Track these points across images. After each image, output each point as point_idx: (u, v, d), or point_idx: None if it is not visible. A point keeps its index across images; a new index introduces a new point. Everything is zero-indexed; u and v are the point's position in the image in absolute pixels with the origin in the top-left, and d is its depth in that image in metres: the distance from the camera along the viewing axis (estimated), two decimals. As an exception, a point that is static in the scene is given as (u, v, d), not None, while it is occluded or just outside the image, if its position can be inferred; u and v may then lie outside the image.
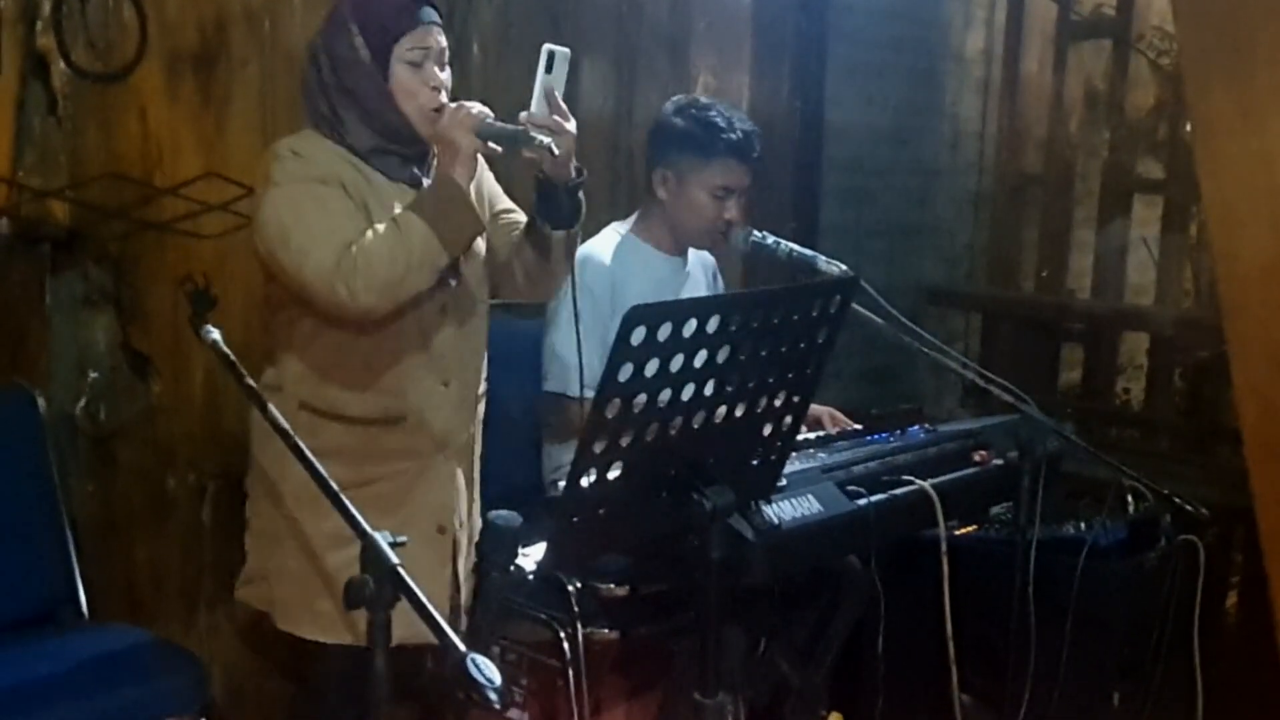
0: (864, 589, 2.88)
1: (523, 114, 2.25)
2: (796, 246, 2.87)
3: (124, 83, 2.86)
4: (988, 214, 5.31)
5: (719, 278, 3.30)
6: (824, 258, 2.79)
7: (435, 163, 2.36)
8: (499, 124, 2.27)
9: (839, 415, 3.11)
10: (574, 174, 2.33)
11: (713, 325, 1.92)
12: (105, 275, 2.90)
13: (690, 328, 1.88)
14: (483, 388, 2.59)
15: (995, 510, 3.03)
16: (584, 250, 2.97)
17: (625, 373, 1.84)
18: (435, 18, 2.33)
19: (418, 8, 2.30)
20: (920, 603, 2.67)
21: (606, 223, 3.15)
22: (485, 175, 2.55)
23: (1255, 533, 2.74)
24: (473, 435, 2.56)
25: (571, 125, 2.28)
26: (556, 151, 2.21)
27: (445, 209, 2.23)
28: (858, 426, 3.03)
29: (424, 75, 2.31)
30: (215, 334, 2.02)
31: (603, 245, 3.04)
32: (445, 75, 2.36)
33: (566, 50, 2.27)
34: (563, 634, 2.83)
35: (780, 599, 2.81)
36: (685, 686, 2.43)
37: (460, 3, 3.36)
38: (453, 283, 2.41)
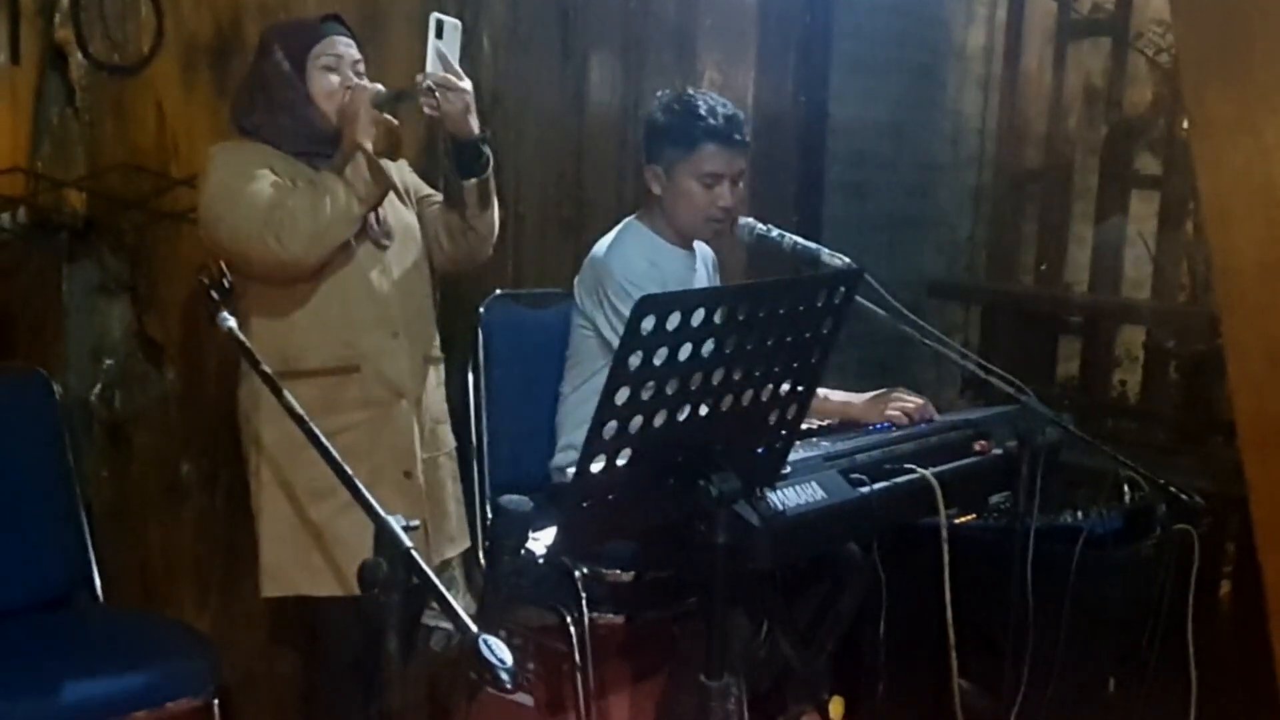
0: (866, 575, 2.92)
1: (418, 75, 2.52)
2: (801, 239, 2.88)
3: (140, 75, 2.89)
4: (988, 208, 5.33)
5: (718, 271, 3.31)
6: (828, 250, 2.80)
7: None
8: (388, 90, 2.56)
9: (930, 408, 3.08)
10: (476, 130, 2.59)
11: (720, 315, 1.95)
12: (121, 264, 2.93)
13: (698, 317, 1.91)
14: (438, 352, 2.81)
15: (995, 499, 3.04)
16: (608, 249, 3.03)
17: (635, 361, 1.87)
18: (342, 31, 2.64)
19: (322, 23, 2.64)
20: (921, 589, 2.70)
21: (615, 215, 3.18)
22: (408, 174, 2.86)
23: (1248, 522, 2.76)
24: (431, 394, 2.76)
25: (466, 84, 2.54)
26: (431, 85, 2.49)
27: (355, 165, 2.50)
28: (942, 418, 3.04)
29: (339, 77, 2.60)
30: (231, 321, 2.06)
31: (623, 238, 3.07)
32: (362, 82, 2.61)
33: (457, 21, 2.54)
34: (569, 619, 2.87)
35: (783, 584, 2.84)
36: (690, 670, 2.46)
37: (471, -1, 3.41)
38: (386, 243, 2.65)
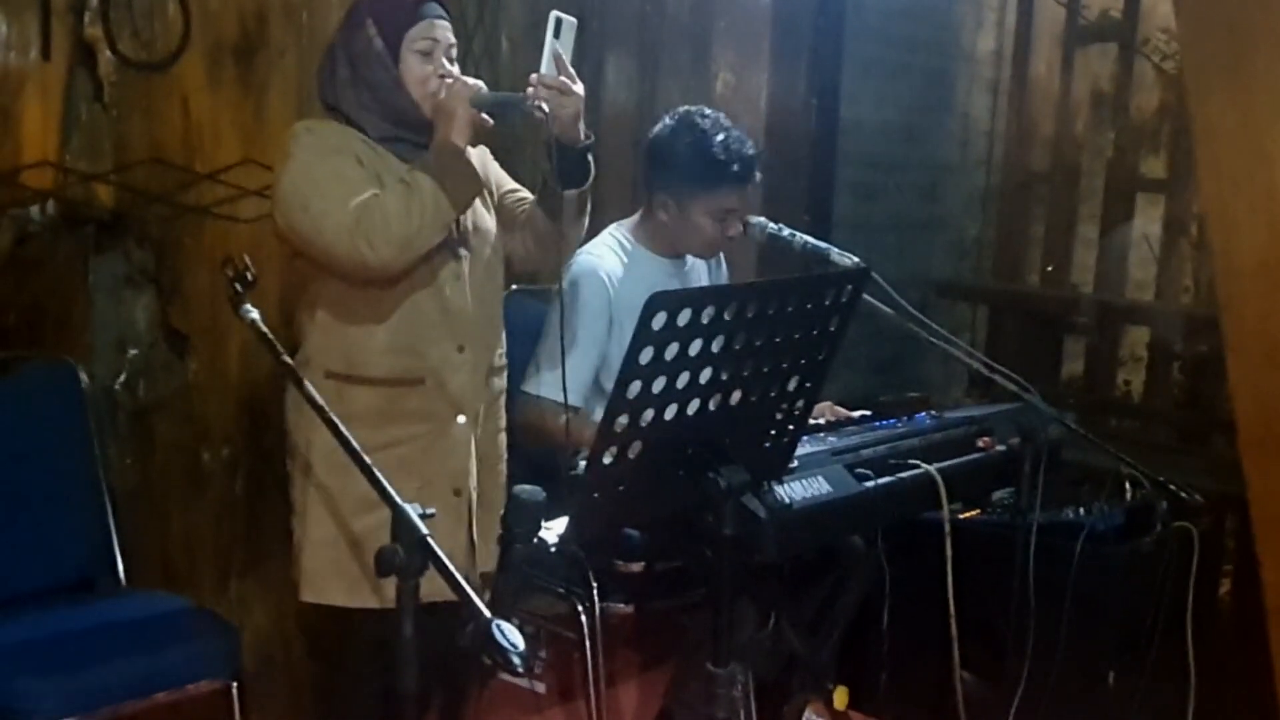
0: (870, 568, 2.93)
1: (533, 75, 2.37)
2: (811, 239, 2.92)
3: (167, 72, 2.94)
4: (995, 210, 5.36)
5: (723, 263, 3.27)
6: (837, 250, 2.84)
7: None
8: (492, 93, 2.42)
9: (838, 409, 3.14)
10: (583, 136, 2.45)
11: (730, 312, 1.99)
12: (146, 256, 2.98)
13: (708, 314, 1.95)
14: (501, 360, 2.68)
15: (998, 495, 3.08)
16: (580, 262, 2.94)
17: (646, 356, 1.91)
18: (441, 13, 2.47)
19: (424, 3, 2.45)
20: (924, 582, 2.72)
21: (629, 214, 3.18)
22: (490, 163, 2.70)
23: (1247, 520, 2.80)
24: (491, 404, 2.64)
25: (579, 87, 2.40)
26: (546, 110, 2.34)
27: (448, 168, 2.36)
28: (854, 415, 3.08)
29: (433, 64, 2.45)
30: (254, 313, 2.10)
31: (598, 255, 2.99)
32: (455, 69, 2.49)
33: (573, 19, 2.39)
34: (580, 608, 2.90)
35: (789, 576, 2.86)
36: (698, 658, 2.49)
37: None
38: (464, 252, 2.52)
